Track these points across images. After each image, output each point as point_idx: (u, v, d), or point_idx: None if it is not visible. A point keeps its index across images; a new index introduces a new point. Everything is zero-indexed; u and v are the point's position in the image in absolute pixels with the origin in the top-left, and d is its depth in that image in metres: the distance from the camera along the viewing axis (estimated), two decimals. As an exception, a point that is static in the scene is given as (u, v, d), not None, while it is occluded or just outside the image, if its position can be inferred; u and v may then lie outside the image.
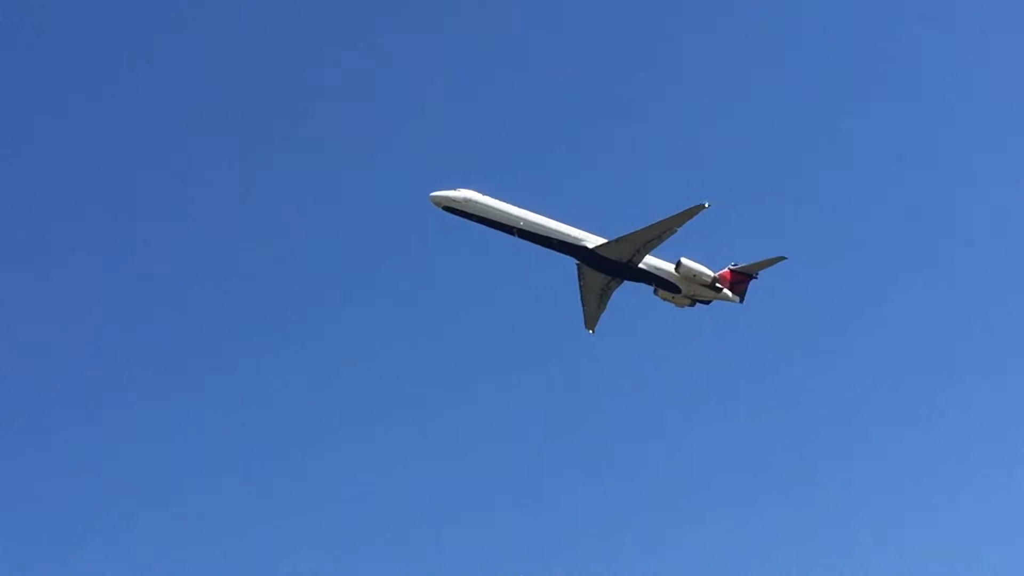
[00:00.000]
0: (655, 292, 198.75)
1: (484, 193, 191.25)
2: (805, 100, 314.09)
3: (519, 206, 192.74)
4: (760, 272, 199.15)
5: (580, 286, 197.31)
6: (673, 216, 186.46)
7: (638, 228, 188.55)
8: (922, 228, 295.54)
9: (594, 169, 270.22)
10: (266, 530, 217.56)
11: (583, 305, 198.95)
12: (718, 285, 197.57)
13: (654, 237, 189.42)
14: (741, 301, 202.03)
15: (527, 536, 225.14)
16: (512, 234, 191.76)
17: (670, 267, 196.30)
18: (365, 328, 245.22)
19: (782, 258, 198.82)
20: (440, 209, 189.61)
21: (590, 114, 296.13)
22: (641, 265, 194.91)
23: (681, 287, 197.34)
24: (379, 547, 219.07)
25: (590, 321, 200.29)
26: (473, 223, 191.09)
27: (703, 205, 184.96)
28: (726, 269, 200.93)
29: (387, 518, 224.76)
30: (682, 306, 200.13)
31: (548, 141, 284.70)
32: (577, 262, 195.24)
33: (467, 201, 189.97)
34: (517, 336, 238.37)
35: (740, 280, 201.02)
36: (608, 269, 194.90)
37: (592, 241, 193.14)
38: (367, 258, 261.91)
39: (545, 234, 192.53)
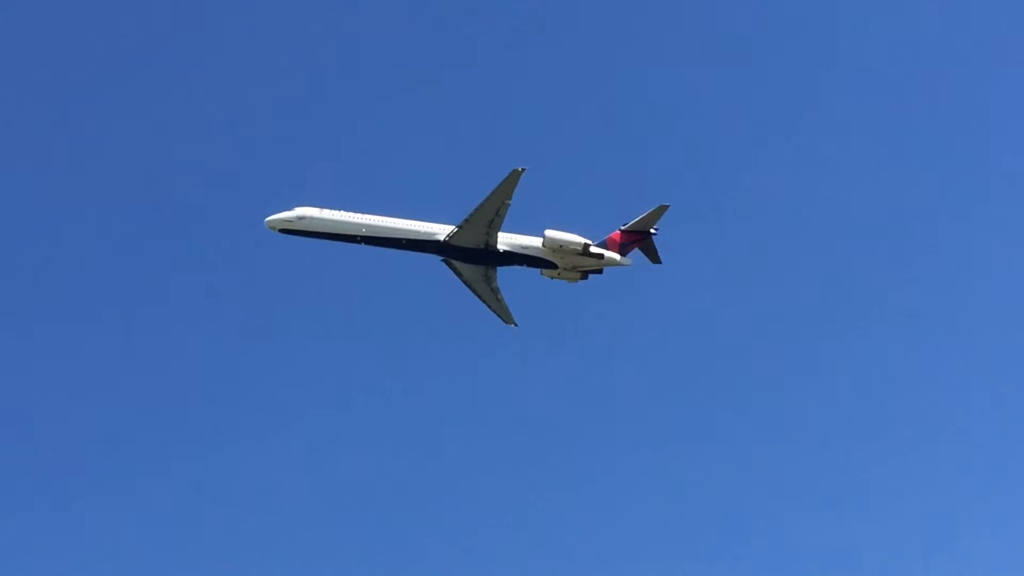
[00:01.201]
0: (541, 273, 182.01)
1: (322, 207, 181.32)
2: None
3: (367, 213, 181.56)
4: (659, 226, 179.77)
5: (464, 283, 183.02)
6: (496, 189, 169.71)
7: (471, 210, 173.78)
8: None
9: (435, 158, 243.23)
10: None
11: (483, 301, 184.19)
12: (593, 251, 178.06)
13: (492, 215, 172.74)
14: (658, 261, 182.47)
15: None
16: (358, 243, 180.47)
17: (537, 242, 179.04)
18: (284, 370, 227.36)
19: (665, 207, 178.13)
20: (278, 233, 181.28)
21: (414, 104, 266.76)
22: (504, 247, 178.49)
23: (556, 261, 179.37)
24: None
25: (504, 315, 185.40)
26: (317, 241, 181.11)
27: (519, 170, 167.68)
28: (616, 231, 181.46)
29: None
30: (574, 281, 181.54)
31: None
32: (442, 259, 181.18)
33: (301, 219, 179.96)
34: (434, 346, 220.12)
35: (636, 240, 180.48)
36: (474, 258, 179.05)
37: (444, 232, 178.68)
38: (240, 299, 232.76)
39: (393, 236, 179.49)
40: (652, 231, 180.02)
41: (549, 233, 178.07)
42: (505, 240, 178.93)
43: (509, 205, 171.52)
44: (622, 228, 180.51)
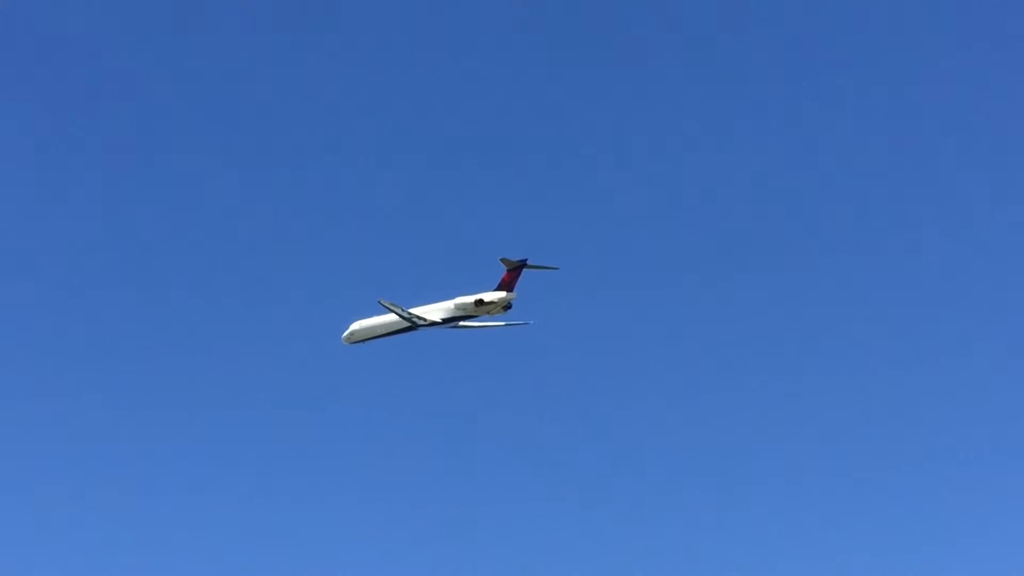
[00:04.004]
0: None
1: (366, 315, 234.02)
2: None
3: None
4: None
5: (464, 328, 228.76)
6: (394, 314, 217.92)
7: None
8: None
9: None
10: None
11: (489, 327, 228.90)
12: (487, 299, 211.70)
13: (410, 322, 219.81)
14: (555, 268, 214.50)
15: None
16: (385, 337, 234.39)
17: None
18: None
19: (502, 258, 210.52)
20: (352, 345, 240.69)
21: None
22: (442, 317, 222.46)
23: (477, 313, 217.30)
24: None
25: (512, 323, 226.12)
26: (379, 340, 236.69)
27: (380, 301, 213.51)
28: (504, 272, 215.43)
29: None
30: (504, 313, 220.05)
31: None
32: (438, 326, 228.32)
33: (353, 333, 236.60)
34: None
35: (518, 271, 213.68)
36: (441, 325, 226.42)
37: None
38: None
39: (397, 327, 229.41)
40: (525, 262, 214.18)
41: (457, 300, 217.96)
42: (442, 308, 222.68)
43: (409, 311, 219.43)
44: (508, 269, 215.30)
